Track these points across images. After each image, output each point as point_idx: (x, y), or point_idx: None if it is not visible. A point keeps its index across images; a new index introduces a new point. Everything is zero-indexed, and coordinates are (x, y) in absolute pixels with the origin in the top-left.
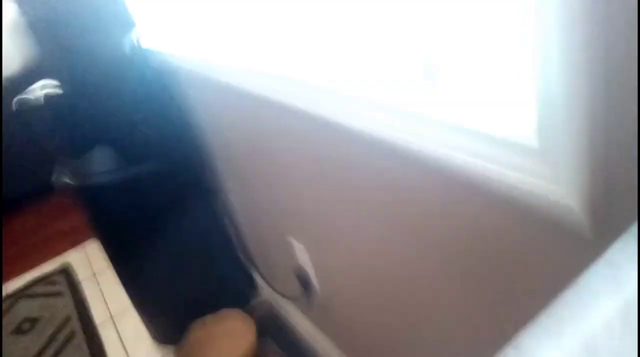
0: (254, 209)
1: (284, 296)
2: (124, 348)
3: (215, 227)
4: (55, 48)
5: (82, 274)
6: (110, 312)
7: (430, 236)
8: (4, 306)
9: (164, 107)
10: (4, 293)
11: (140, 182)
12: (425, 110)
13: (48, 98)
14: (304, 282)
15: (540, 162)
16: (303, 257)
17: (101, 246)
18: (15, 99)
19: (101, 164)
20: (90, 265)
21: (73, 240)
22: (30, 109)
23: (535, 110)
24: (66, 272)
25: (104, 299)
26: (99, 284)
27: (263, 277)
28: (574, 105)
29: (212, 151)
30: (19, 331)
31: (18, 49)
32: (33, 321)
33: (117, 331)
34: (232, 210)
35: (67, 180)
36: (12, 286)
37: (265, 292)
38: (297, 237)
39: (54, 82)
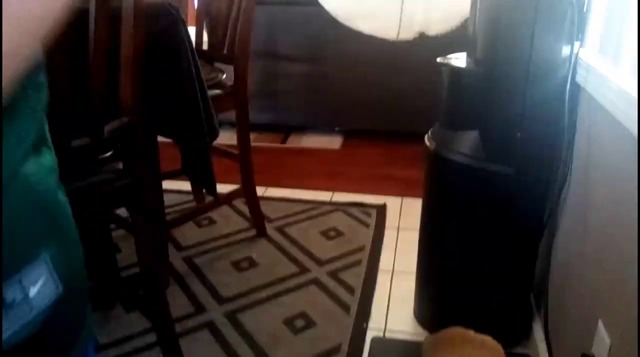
0: (583, 258)
1: None
2: (387, 304)
3: (529, 247)
4: (503, 34)
5: (391, 221)
6: (394, 267)
7: None
8: (328, 208)
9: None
10: (333, 199)
11: (493, 177)
12: None
13: (462, 69)
14: None
15: None
16: (600, 347)
17: (424, 211)
18: (440, 59)
19: (464, 145)
20: (401, 218)
21: (403, 189)
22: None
23: None
24: (381, 212)
25: (395, 253)
26: (397, 238)
27: (545, 333)
28: None
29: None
30: (326, 234)
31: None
32: (338, 233)
33: (390, 286)
34: (556, 245)
35: (430, 144)
36: (341, 197)
37: (537, 349)
38: (608, 326)
39: (470, 59)
